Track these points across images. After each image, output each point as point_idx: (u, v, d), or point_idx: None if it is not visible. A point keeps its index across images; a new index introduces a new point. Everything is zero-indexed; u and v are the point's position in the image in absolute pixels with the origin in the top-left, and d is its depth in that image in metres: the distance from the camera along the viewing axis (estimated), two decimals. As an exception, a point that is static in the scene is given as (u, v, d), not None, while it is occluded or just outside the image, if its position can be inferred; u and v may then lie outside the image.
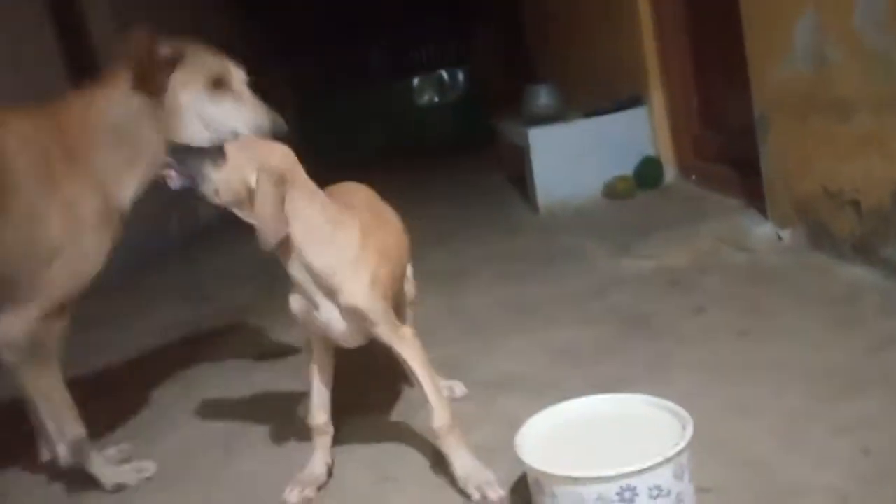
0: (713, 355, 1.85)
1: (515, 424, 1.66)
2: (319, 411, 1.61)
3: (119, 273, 2.09)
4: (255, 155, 1.41)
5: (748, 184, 3.03)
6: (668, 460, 1.22)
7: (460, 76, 9.27)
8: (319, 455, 1.62)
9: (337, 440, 1.68)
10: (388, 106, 9.10)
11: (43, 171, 1.56)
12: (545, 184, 3.88)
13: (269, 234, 1.38)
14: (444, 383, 1.91)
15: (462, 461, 1.50)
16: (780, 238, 2.58)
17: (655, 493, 1.22)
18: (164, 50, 1.65)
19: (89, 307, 1.82)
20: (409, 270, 1.83)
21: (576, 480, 1.22)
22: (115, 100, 1.66)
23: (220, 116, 1.71)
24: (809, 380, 1.65)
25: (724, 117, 3.45)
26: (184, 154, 1.43)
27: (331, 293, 1.46)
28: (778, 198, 2.63)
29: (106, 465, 1.76)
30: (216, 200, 1.42)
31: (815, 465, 1.36)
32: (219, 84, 1.70)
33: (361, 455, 1.71)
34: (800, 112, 2.43)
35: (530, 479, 1.32)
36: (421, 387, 1.51)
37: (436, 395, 1.52)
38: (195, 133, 1.68)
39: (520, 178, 4.32)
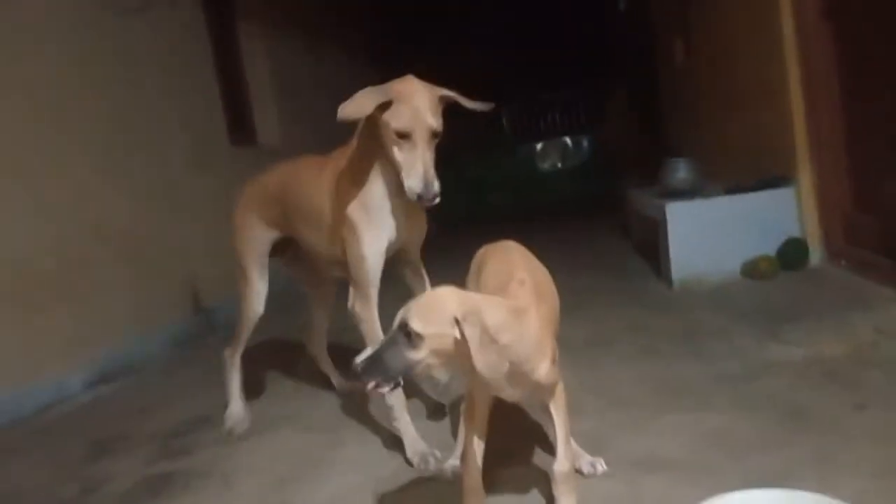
0: (882, 456, 1.77)
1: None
2: (475, 473, 1.66)
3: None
4: (445, 311, 1.44)
5: (906, 273, 2.89)
6: (850, 566, 1.19)
7: (585, 142, 9.35)
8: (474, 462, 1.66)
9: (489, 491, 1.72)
10: (514, 169, 9.29)
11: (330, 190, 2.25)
12: (681, 258, 3.83)
13: (493, 373, 1.44)
14: (587, 459, 1.92)
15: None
16: (945, 334, 2.44)
17: None
18: (378, 94, 1.96)
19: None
20: None
21: (751, 576, 1.20)
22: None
23: (401, 163, 1.99)
24: None
25: (880, 201, 3.31)
26: (379, 365, 1.45)
27: (517, 377, 1.52)
28: (944, 291, 2.49)
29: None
30: (430, 376, 1.50)
31: None
32: (403, 136, 1.95)
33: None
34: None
35: (698, 570, 1.31)
36: (556, 433, 1.63)
37: (565, 444, 1.64)
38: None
39: (650, 249, 4.29)
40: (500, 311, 1.49)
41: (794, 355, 2.52)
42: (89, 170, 3.82)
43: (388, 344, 1.46)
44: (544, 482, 1.79)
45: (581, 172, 9.24)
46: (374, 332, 2.18)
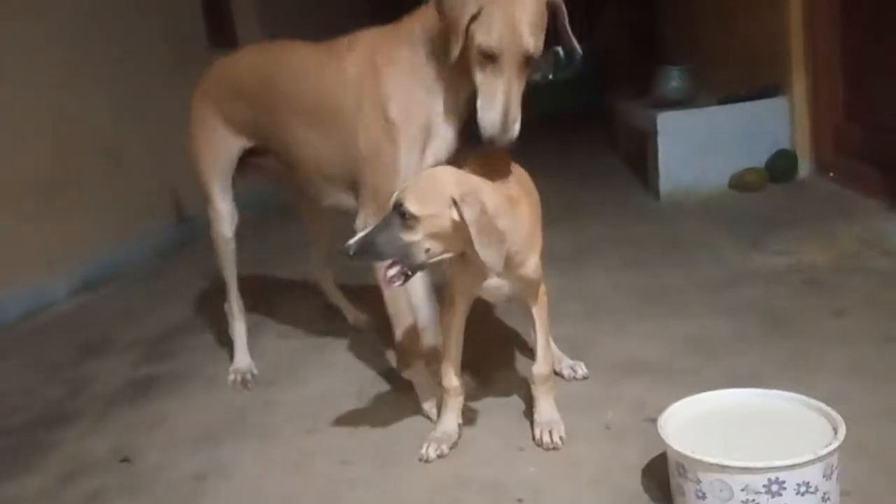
0: (857, 359, 1.80)
1: (642, 409, 1.70)
2: (453, 373, 1.68)
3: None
4: (442, 192, 1.40)
5: (893, 185, 2.88)
6: (819, 458, 1.22)
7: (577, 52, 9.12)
8: (452, 416, 1.69)
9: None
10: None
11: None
12: (669, 170, 3.80)
13: (495, 259, 1.40)
14: (567, 363, 1.95)
15: (545, 408, 1.67)
16: (927, 244, 2.45)
17: (803, 489, 1.22)
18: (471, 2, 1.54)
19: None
20: None
21: (723, 468, 1.23)
22: (421, 30, 1.72)
23: (480, 89, 1.59)
24: (965, 394, 1.58)
25: (872, 113, 3.26)
26: (371, 248, 1.40)
27: (510, 267, 1.52)
28: (930, 202, 2.49)
29: None
30: (433, 259, 1.44)
31: (971, 480, 1.31)
32: (489, 56, 1.56)
33: (490, 420, 1.77)
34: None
35: (671, 463, 1.33)
36: (537, 336, 1.66)
37: (545, 348, 1.67)
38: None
39: (639, 161, 4.24)
40: (497, 196, 1.47)
41: (776, 264, 2.53)
42: (67, 78, 3.70)
43: (383, 226, 1.41)
44: (524, 387, 1.82)
45: (573, 83, 9.05)
46: None
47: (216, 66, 2.20)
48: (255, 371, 2.24)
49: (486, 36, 1.53)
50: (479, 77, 1.58)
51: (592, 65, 8.91)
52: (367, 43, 1.81)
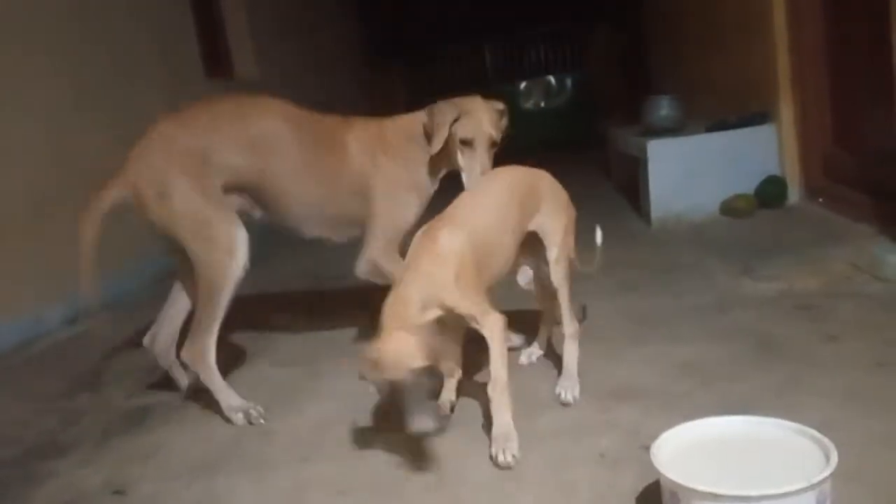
0: (850, 385, 1.81)
1: (636, 435, 1.70)
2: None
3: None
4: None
5: (883, 209, 2.91)
6: (812, 486, 1.22)
7: (569, 81, 9.22)
8: (446, 393, 1.92)
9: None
10: (497, 107, 9.17)
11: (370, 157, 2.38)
12: (660, 197, 3.84)
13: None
14: (565, 383, 1.98)
15: (497, 421, 1.73)
16: (917, 269, 2.47)
17: (797, 517, 1.22)
18: (452, 112, 2.25)
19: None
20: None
21: (716, 497, 1.23)
22: (417, 128, 2.36)
23: (462, 166, 2.28)
24: (956, 419, 1.59)
25: (860, 138, 3.31)
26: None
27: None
28: (918, 227, 2.52)
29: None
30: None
31: (965, 506, 1.32)
32: (467, 143, 2.26)
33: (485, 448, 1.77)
34: (952, 139, 2.32)
35: (665, 491, 1.34)
36: (490, 353, 1.76)
37: (495, 362, 1.75)
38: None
39: (631, 188, 4.28)
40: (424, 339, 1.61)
41: (767, 289, 2.55)
42: (62, 105, 3.72)
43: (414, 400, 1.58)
44: (521, 415, 1.82)
45: (565, 112, 9.14)
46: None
47: (168, 130, 2.25)
48: (255, 405, 2.14)
49: (465, 131, 2.24)
50: (461, 159, 2.27)
51: (583, 93, 9.04)
52: (355, 122, 2.42)
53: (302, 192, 2.34)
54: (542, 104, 9.36)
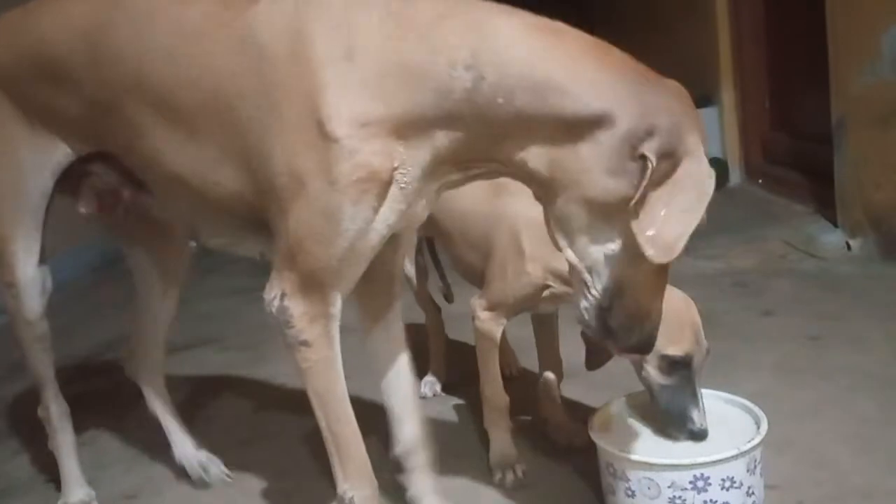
0: (782, 358, 1.86)
1: (576, 412, 1.72)
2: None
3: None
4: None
5: (818, 190, 2.99)
6: (742, 454, 1.25)
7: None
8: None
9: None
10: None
11: None
12: (606, 178, 3.87)
13: None
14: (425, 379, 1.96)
15: (493, 445, 1.60)
16: (849, 247, 2.55)
17: (728, 484, 1.25)
18: None
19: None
20: None
21: (650, 466, 1.26)
22: None
23: None
24: (881, 387, 1.65)
25: (798, 121, 3.40)
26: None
27: None
28: (850, 206, 2.60)
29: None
30: None
31: (886, 469, 1.37)
32: None
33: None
34: (882, 120, 2.40)
35: (602, 462, 1.36)
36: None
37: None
38: None
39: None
40: None
41: (707, 267, 2.61)
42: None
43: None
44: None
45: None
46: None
47: (4, 24, 1.34)
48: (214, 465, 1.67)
49: None
50: None
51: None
52: None
53: (173, 150, 1.12)
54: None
